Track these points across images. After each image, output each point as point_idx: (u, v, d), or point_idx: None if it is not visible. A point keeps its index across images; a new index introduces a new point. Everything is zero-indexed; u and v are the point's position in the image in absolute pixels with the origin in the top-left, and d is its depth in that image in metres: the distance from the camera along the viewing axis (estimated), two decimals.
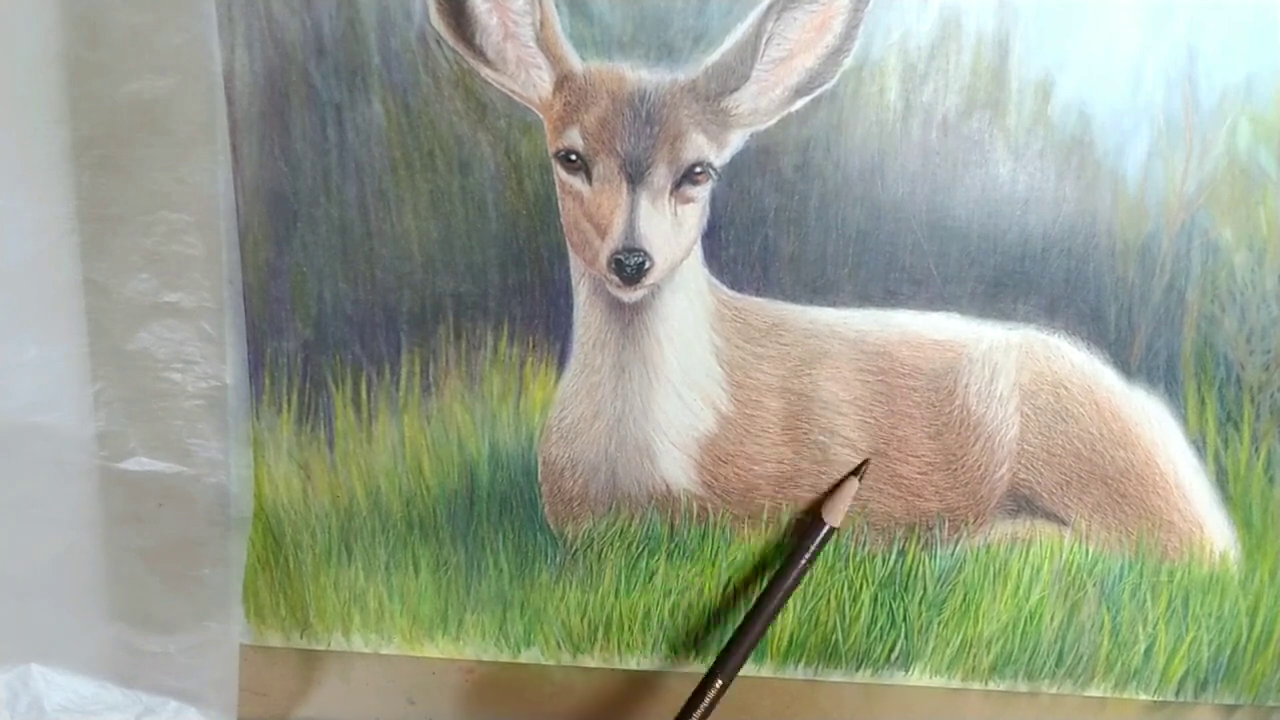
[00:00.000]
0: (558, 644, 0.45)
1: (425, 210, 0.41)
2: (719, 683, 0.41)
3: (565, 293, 0.42)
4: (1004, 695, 0.45)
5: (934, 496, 0.43)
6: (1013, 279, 0.41)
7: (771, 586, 0.42)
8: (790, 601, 0.44)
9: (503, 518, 0.44)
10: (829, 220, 0.41)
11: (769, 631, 0.44)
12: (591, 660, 0.46)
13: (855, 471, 0.42)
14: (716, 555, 0.44)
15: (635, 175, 0.40)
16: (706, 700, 0.41)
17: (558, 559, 0.44)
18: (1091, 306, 0.41)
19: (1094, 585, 0.43)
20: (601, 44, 0.39)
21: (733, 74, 0.39)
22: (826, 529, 0.42)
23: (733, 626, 0.45)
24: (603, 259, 0.40)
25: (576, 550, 0.44)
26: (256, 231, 0.42)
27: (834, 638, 0.45)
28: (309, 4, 0.39)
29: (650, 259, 0.40)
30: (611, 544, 0.44)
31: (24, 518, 0.44)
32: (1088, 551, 0.43)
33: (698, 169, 0.40)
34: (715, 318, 0.42)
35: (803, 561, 0.41)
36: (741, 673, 0.45)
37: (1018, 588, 0.44)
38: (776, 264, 0.41)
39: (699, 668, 0.45)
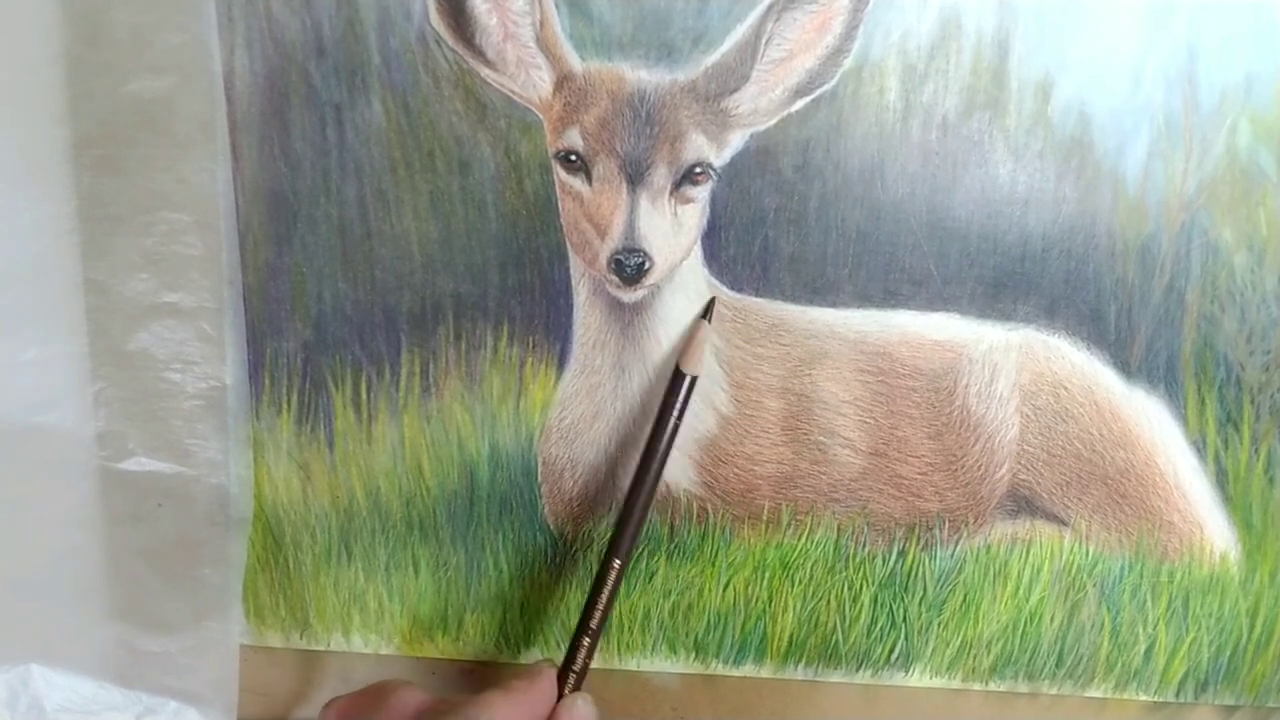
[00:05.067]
0: (558, 644, 0.45)
1: (425, 210, 0.41)
2: (617, 563, 0.40)
3: (565, 293, 0.42)
4: (1004, 696, 0.45)
5: (934, 497, 0.43)
6: (1013, 279, 0.41)
7: (647, 449, 0.40)
8: (790, 601, 0.44)
9: (502, 518, 0.44)
10: (829, 220, 0.41)
11: (769, 632, 0.45)
12: (591, 660, 0.45)
13: (704, 314, 0.41)
14: (716, 555, 0.44)
15: (635, 175, 0.40)
16: (609, 584, 0.39)
17: (558, 559, 0.44)
18: (1091, 307, 0.41)
19: (1094, 586, 0.43)
20: (601, 44, 0.39)
21: (733, 74, 0.39)
22: (688, 379, 0.40)
23: (733, 626, 0.45)
24: (603, 259, 0.40)
25: (576, 550, 0.44)
26: (256, 231, 0.42)
27: (834, 638, 0.44)
28: (309, 4, 0.39)
29: (650, 259, 0.40)
30: None
31: (24, 518, 0.44)
32: (1088, 552, 0.43)
33: (698, 169, 0.40)
34: (715, 318, 0.42)
35: (672, 418, 0.40)
36: (741, 673, 0.45)
37: (1018, 588, 0.44)
38: (776, 264, 0.41)
39: (699, 668, 0.45)
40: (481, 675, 0.46)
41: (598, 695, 0.46)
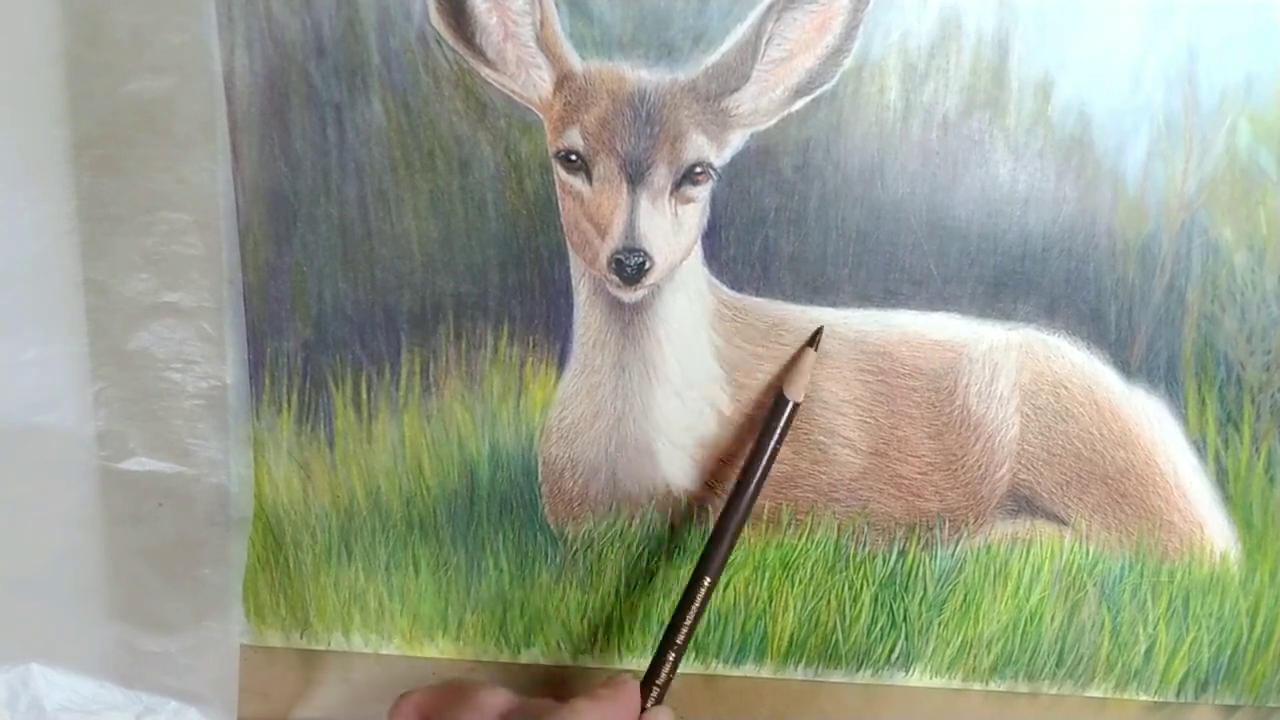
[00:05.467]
0: (558, 644, 0.45)
1: (425, 210, 0.41)
2: (707, 580, 0.40)
3: (565, 293, 0.42)
4: (1004, 696, 0.45)
5: (934, 496, 0.43)
6: (1013, 279, 0.41)
7: (745, 472, 0.41)
8: (790, 601, 0.44)
9: (503, 518, 0.44)
10: (829, 220, 0.41)
11: (769, 631, 0.44)
12: (591, 660, 0.46)
13: (810, 342, 0.41)
14: None
15: (635, 175, 0.40)
16: (698, 600, 0.40)
17: (558, 559, 0.44)
18: (1091, 306, 0.41)
19: (1094, 585, 0.43)
20: (601, 44, 0.39)
21: (733, 74, 0.39)
22: (790, 405, 0.41)
23: (734, 627, 0.45)
24: (603, 259, 0.40)
25: (576, 550, 0.44)
26: (256, 231, 0.42)
27: (834, 638, 0.44)
28: (309, 4, 0.39)
29: (650, 259, 0.40)
30: (611, 544, 0.44)
31: (24, 518, 0.44)
32: (1088, 552, 0.43)
33: (698, 169, 0.40)
34: (715, 318, 0.42)
35: (773, 443, 0.41)
36: (741, 672, 0.45)
37: (1018, 588, 0.44)
38: (776, 264, 0.41)
39: (699, 668, 0.45)
40: (484, 675, 0.46)
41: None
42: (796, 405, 0.41)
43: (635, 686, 0.38)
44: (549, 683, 0.46)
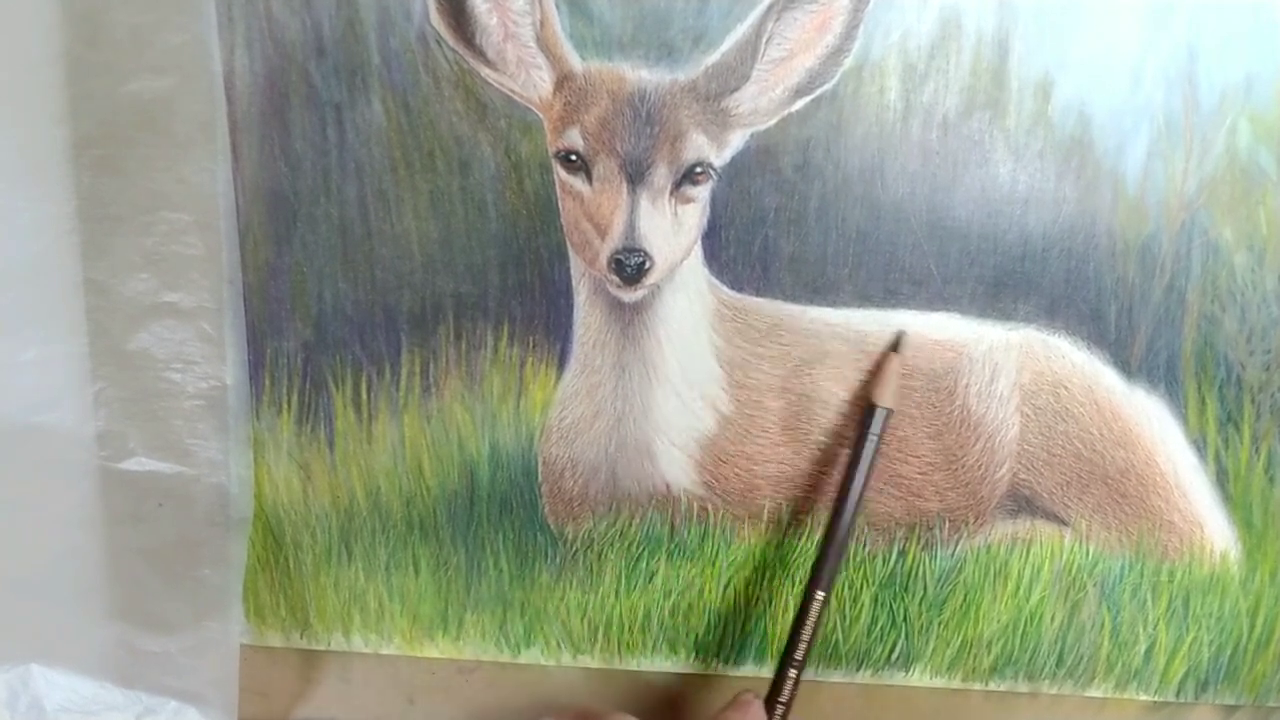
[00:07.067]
0: (558, 644, 0.45)
1: (425, 210, 0.41)
2: (820, 594, 0.40)
3: (565, 293, 0.42)
4: (1004, 695, 0.45)
5: (934, 496, 0.43)
6: (1013, 279, 0.41)
7: (845, 481, 0.41)
8: (791, 601, 0.44)
9: (503, 518, 0.44)
10: (829, 220, 0.41)
11: (769, 632, 0.45)
12: (591, 660, 0.46)
13: (893, 347, 0.41)
14: (716, 555, 0.44)
15: (635, 175, 0.40)
16: (812, 616, 0.40)
17: (558, 559, 0.44)
18: (1092, 306, 0.41)
19: (1094, 585, 0.43)
20: (601, 44, 0.39)
21: (733, 74, 0.39)
22: (881, 411, 0.41)
23: (733, 626, 0.45)
24: (603, 259, 0.40)
25: (576, 550, 0.44)
26: (256, 231, 0.42)
27: (834, 638, 0.44)
28: (309, 4, 0.39)
29: (650, 259, 0.40)
30: (611, 544, 0.44)
31: (24, 518, 0.44)
32: (1088, 551, 0.43)
33: (698, 169, 0.40)
34: (715, 318, 0.42)
35: (868, 450, 0.40)
36: (742, 673, 0.45)
37: (1018, 588, 0.44)
38: (776, 264, 0.41)
39: (699, 668, 0.45)
40: (484, 675, 0.46)
41: (598, 695, 0.46)
42: (890, 412, 0.41)
43: (760, 706, 0.39)
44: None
